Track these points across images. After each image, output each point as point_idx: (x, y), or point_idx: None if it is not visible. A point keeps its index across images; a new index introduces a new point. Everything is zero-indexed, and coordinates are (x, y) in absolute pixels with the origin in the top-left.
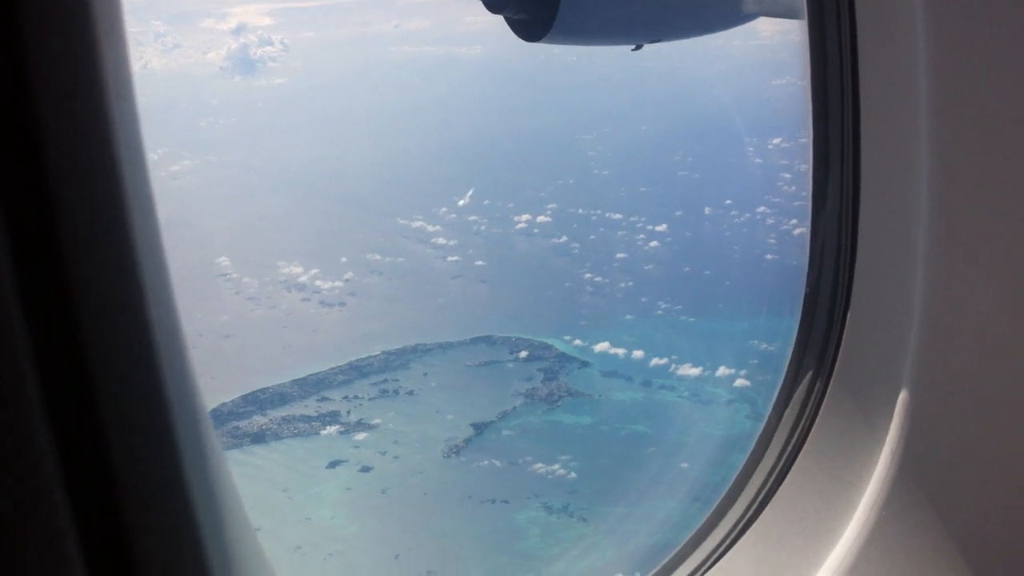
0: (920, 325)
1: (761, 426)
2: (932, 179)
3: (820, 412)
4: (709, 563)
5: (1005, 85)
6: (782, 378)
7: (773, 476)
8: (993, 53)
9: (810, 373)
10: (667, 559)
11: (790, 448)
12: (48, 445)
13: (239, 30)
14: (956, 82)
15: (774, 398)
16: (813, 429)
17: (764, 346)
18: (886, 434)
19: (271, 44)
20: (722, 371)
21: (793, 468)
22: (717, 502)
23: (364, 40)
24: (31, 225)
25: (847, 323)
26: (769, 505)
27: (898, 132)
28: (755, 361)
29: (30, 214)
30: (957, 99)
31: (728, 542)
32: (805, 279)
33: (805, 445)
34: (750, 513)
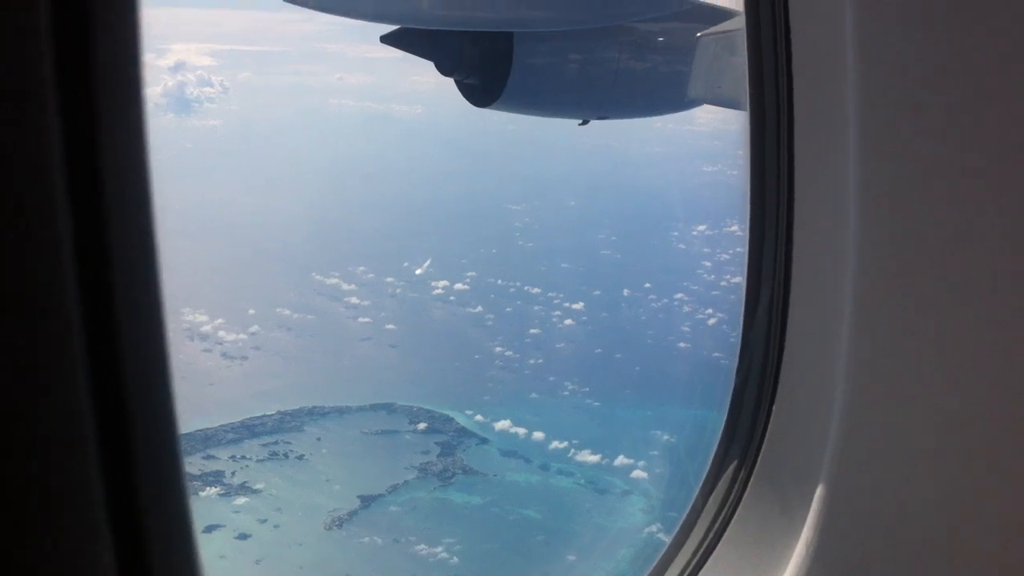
0: (839, 424)
1: (685, 511)
2: (856, 285)
3: (742, 502)
4: None
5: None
6: (708, 466)
7: (695, 560)
8: (924, 150)
9: (734, 463)
10: None
11: (711, 534)
12: (94, 443)
13: (177, 67)
14: (886, 184)
15: (699, 484)
16: (734, 518)
17: (666, 437)
18: (802, 526)
19: (210, 85)
20: (621, 460)
21: (714, 554)
22: None
23: (306, 89)
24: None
25: (771, 418)
26: None
27: (828, 239)
28: (655, 452)
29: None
30: (886, 202)
31: None
32: (736, 370)
33: (726, 532)
34: None
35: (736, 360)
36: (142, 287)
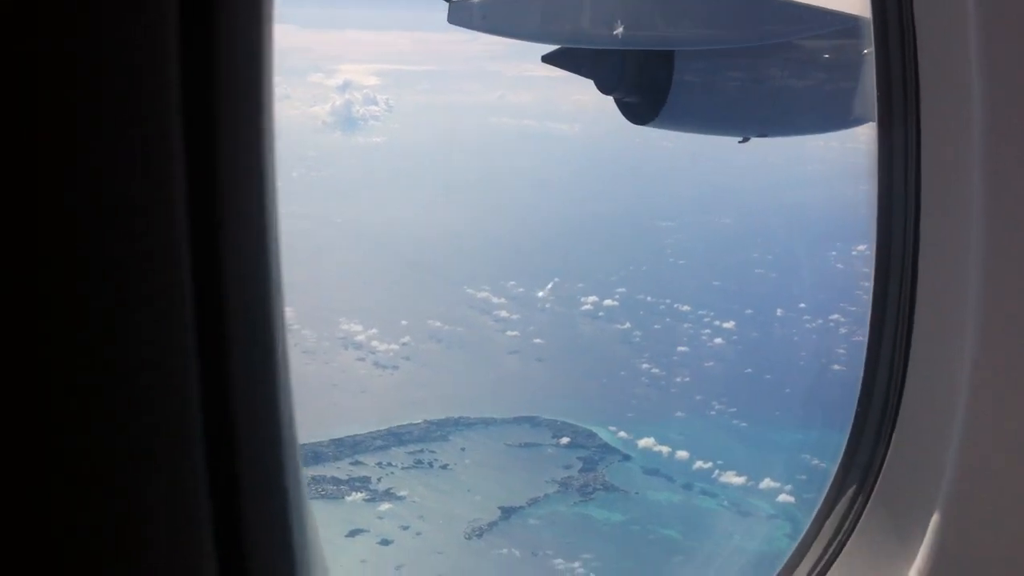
0: (958, 452)
1: (801, 534)
2: (981, 310)
3: (857, 527)
4: None
5: None
6: (826, 490)
7: None
8: None
9: (852, 488)
10: None
11: (826, 559)
12: (202, 438)
13: (345, 87)
14: (1010, 185)
15: (816, 508)
16: (849, 543)
17: (815, 462)
18: (916, 554)
19: (375, 103)
20: (767, 483)
21: None
22: None
23: (467, 107)
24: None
25: (892, 444)
26: None
27: (954, 259)
28: (803, 477)
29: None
30: (1012, 197)
31: None
32: (858, 398)
33: (840, 556)
34: None
35: (860, 385)
36: (257, 294)
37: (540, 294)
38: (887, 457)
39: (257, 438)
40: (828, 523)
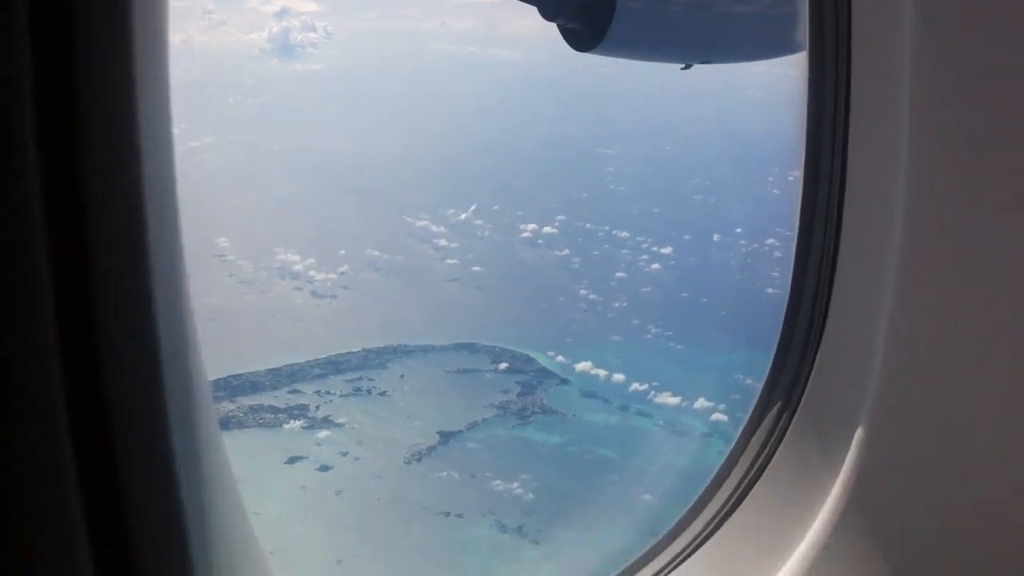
0: (882, 366)
1: (728, 449)
2: (904, 230)
3: (783, 441)
4: (667, 570)
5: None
6: (752, 406)
7: (735, 495)
8: (977, 88)
9: (778, 405)
10: (626, 565)
11: (752, 472)
12: (68, 442)
13: (283, 13)
14: (938, 113)
15: (743, 423)
16: (775, 456)
17: (748, 381)
18: (841, 466)
19: (314, 30)
20: (701, 403)
21: (753, 490)
22: (679, 516)
23: (407, 35)
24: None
25: (816, 361)
26: (728, 521)
27: (879, 184)
28: (737, 396)
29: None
30: (938, 124)
31: (686, 554)
32: (784, 317)
33: (767, 470)
34: (709, 528)
35: (785, 304)
36: (134, 297)
37: (463, 216)
38: (812, 374)
39: (139, 430)
40: (755, 438)
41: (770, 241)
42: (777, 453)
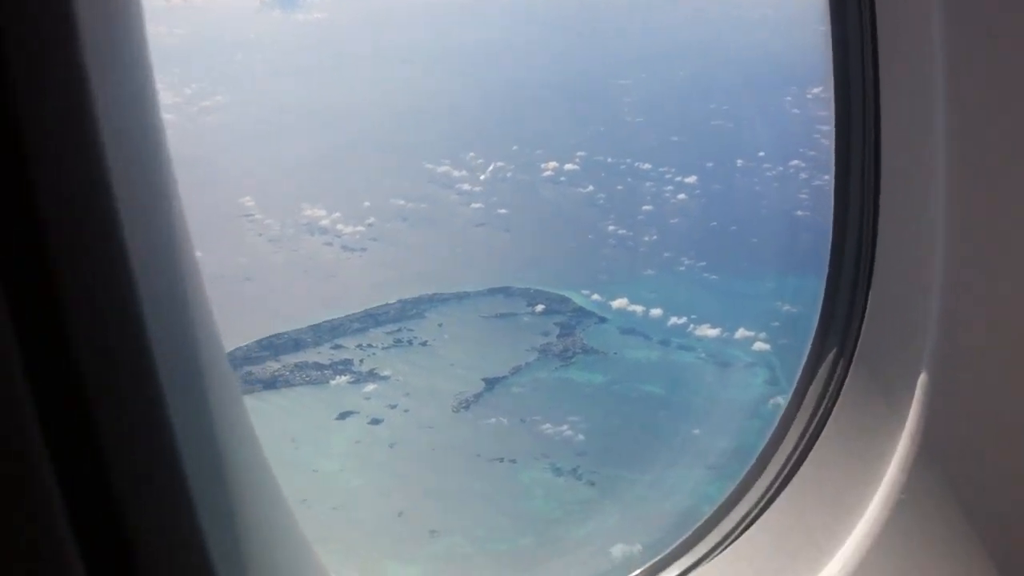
0: (941, 307)
1: (784, 404)
2: (950, 163)
3: (842, 392)
4: (732, 537)
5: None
6: (805, 357)
7: (796, 454)
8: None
9: (832, 352)
10: (691, 531)
11: (813, 426)
12: (42, 446)
13: None
14: (974, 39)
15: (797, 377)
16: (835, 409)
17: (787, 308)
18: (907, 414)
19: None
20: (742, 333)
21: (815, 447)
22: (740, 479)
23: None
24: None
25: (868, 304)
26: (791, 483)
27: (916, 107)
28: (776, 323)
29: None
30: (975, 69)
31: (751, 518)
32: (828, 263)
33: (827, 424)
34: (772, 490)
35: (830, 248)
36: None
37: (482, 177)
38: (866, 316)
39: (133, 432)
40: (811, 389)
41: (795, 163)
42: (836, 406)
